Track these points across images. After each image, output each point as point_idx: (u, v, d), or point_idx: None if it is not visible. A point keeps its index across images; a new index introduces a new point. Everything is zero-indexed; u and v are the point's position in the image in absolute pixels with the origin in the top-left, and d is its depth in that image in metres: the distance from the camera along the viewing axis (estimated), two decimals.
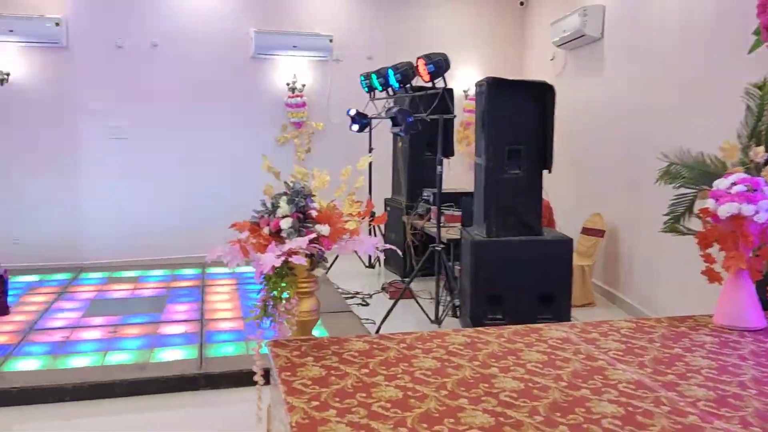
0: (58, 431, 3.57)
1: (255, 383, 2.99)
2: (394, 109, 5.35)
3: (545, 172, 4.81)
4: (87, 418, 3.67)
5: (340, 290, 6.08)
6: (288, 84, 7.62)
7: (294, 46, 7.46)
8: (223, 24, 7.36)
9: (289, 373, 2.61)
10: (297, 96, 7.61)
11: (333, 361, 2.74)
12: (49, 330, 4.78)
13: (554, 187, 5.90)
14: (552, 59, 7.31)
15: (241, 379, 3.88)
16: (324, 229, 3.06)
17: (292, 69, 7.63)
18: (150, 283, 6.24)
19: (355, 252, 3.34)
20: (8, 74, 6.69)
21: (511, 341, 3.01)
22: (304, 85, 7.65)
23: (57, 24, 6.61)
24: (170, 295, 5.80)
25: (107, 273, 6.59)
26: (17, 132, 6.82)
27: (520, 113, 4.67)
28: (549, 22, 7.09)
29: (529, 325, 3.29)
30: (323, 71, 7.77)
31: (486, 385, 2.48)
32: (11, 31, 6.50)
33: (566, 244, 4.78)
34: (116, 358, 4.23)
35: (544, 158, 4.77)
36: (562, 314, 4.69)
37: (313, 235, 2.97)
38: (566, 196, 6.70)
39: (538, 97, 4.72)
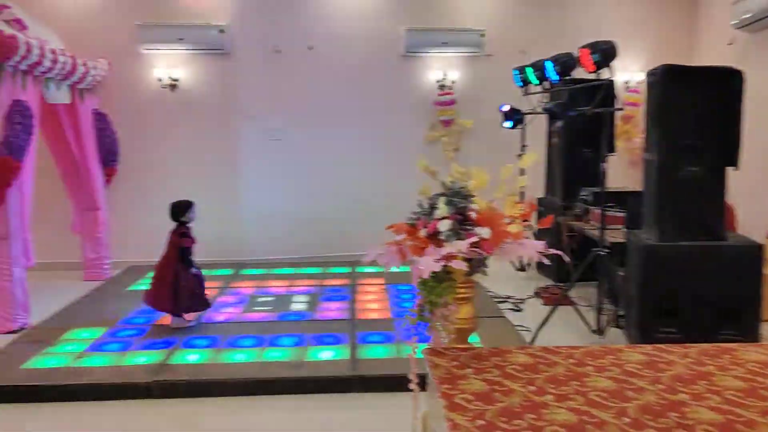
0: (220, 425, 3.68)
1: (409, 388, 2.88)
2: (552, 104, 5.02)
3: (729, 169, 4.27)
4: (246, 414, 3.76)
5: (490, 294, 5.85)
6: (437, 81, 7.49)
7: (444, 43, 7.32)
8: (375, 24, 7.39)
9: (449, 386, 2.44)
10: (446, 93, 7.46)
11: (495, 375, 2.54)
12: (212, 324, 5.00)
13: (733, 185, 5.26)
14: (730, 44, 6.56)
15: (394, 383, 3.79)
16: (485, 231, 2.87)
17: (441, 66, 7.49)
18: (304, 280, 6.38)
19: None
20: (177, 80, 7.15)
21: (699, 362, 2.63)
22: (453, 82, 7.49)
23: (221, 31, 6.96)
24: (323, 293, 5.89)
25: (265, 270, 6.84)
26: (184, 134, 7.29)
27: (700, 104, 4.17)
28: (728, 2, 6.36)
29: (719, 344, 2.88)
30: (474, 67, 7.55)
31: (676, 414, 2.16)
32: (181, 39, 6.94)
33: (755, 250, 4.21)
34: (273, 354, 4.31)
35: (727, 153, 4.23)
36: (748, 331, 4.14)
37: (475, 239, 2.79)
38: (748, 196, 5.96)
39: (722, 85, 4.19)
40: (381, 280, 6.22)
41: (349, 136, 7.46)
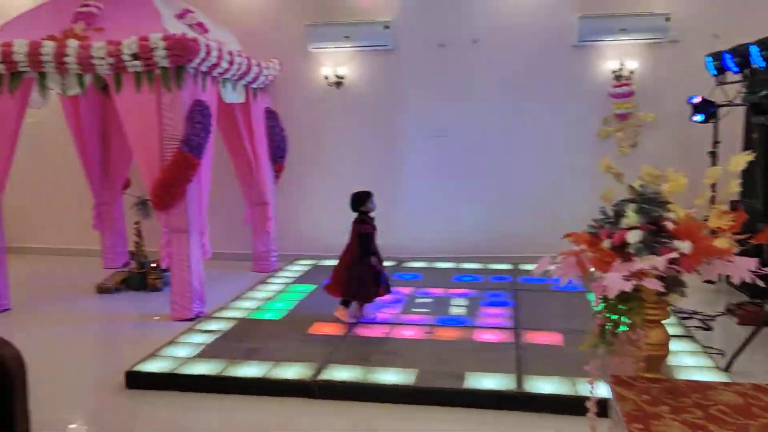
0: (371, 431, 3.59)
1: (583, 413, 2.56)
2: (763, 93, 4.34)
3: None
4: (401, 422, 3.62)
5: (672, 308, 5.23)
6: (613, 72, 6.90)
7: (622, 29, 6.70)
8: (544, 13, 6.95)
9: (641, 426, 2.09)
10: (624, 84, 6.85)
11: (697, 417, 2.15)
12: (371, 324, 4.94)
13: None
14: None
15: (565, 405, 3.47)
16: (684, 246, 2.46)
17: (618, 54, 6.88)
18: (463, 282, 6.17)
19: None
20: (343, 78, 7.23)
21: None
22: (632, 72, 6.85)
23: (386, 27, 6.93)
24: (483, 297, 5.63)
25: (423, 269, 6.72)
26: (348, 131, 7.35)
27: None
28: None
29: None
30: (656, 55, 6.85)
31: None
32: (347, 37, 6.99)
33: None
34: (432, 363, 4.13)
35: None
36: None
37: (673, 255, 2.39)
38: None
39: None
40: (544, 286, 5.81)
41: (514, 132, 7.10)
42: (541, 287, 5.77)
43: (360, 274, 4.86)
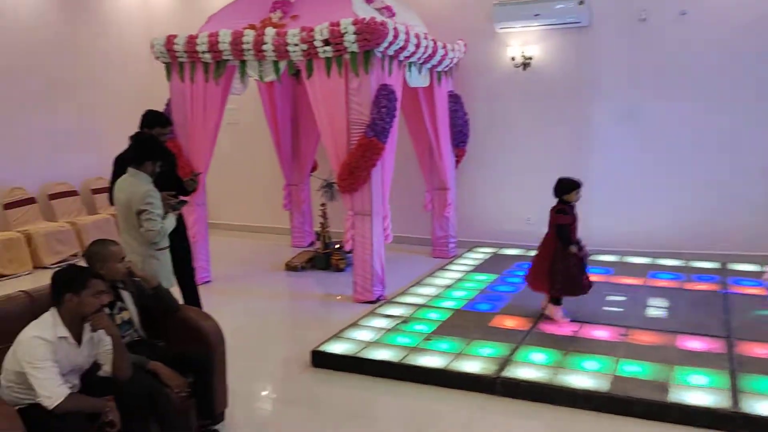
0: None
1: None
2: None
3: None
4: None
5: None
6: None
7: None
8: None
9: None
10: None
11: None
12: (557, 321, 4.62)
13: None
14: None
15: None
16: None
17: None
18: (661, 280, 5.60)
19: None
20: (530, 58, 6.86)
21: None
22: None
23: (580, 3, 6.41)
24: (686, 298, 5.04)
25: (615, 264, 6.22)
26: (533, 115, 6.95)
27: None
28: None
29: None
30: None
31: None
32: (537, 15, 6.59)
33: None
34: (630, 368, 3.74)
35: None
36: None
37: None
38: None
39: None
40: (761, 290, 5.07)
41: (726, 115, 6.24)
42: (757, 291, 5.04)
43: (565, 267, 4.50)
